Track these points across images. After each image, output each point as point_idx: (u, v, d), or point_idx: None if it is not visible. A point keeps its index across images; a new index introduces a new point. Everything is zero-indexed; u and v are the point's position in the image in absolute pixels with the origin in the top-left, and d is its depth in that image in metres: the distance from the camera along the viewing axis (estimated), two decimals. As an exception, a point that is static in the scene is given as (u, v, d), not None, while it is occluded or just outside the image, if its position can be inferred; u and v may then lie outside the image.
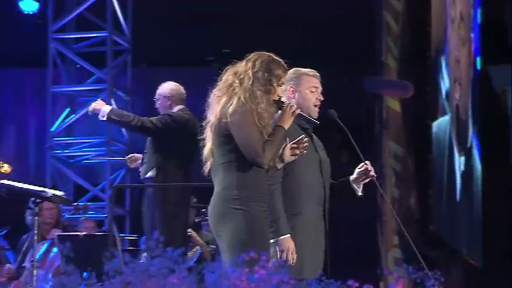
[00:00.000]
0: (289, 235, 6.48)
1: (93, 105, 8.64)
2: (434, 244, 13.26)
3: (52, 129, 13.47)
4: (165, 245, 9.02)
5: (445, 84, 14.06)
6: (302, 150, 6.38)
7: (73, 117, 13.52)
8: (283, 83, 6.44)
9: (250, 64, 6.31)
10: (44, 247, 10.17)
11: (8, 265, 10.59)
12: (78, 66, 13.83)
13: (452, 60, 13.97)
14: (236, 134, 6.26)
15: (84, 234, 9.72)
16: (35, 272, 8.96)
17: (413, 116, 13.62)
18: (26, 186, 9.12)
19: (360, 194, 6.97)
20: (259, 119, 6.29)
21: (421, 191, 13.78)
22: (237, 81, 6.30)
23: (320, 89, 6.93)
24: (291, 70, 6.80)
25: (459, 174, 14.21)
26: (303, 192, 6.68)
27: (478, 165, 14.87)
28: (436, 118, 13.83)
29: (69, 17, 13.34)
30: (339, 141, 13.42)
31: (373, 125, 12.60)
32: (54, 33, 13.21)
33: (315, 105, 6.87)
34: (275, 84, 6.34)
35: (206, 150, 6.41)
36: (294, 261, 6.44)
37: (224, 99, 6.28)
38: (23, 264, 10.08)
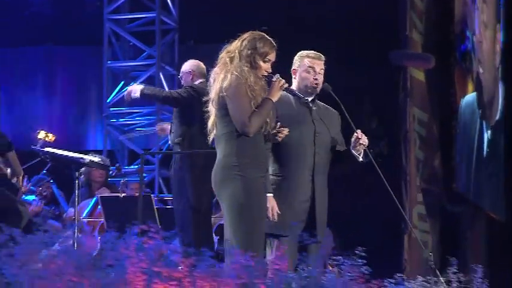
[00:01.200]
0: (270, 195, 6.71)
1: (127, 91, 8.77)
2: (457, 201, 13.42)
3: (108, 100, 13.65)
4: (193, 208, 9.41)
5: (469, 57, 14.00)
6: (282, 136, 6.60)
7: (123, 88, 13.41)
8: (270, 60, 6.58)
9: (239, 43, 6.56)
10: (91, 202, 10.49)
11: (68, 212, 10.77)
12: (130, 44, 13.93)
13: (476, 37, 14.04)
14: (229, 107, 6.48)
15: (124, 196, 9.91)
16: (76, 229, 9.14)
17: (438, 86, 13.62)
18: (66, 153, 9.42)
19: (360, 159, 7.16)
20: (250, 91, 6.48)
21: (444, 153, 13.75)
22: (227, 59, 6.54)
23: (319, 69, 7.07)
24: (298, 53, 7.17)
25: (486, 139, 14.35)
26: (292, 160, 6.87)
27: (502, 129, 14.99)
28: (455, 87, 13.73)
29: (119, 2, 13.51)
30: (369, 109, 13.75)
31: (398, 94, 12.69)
32: (109, 14, 13.42)
33: (313, 84, 6.98)
34: (260, 61, 6.54)
35: (210, 123, 6.60)
36: (275, 217, 6.66)
37: (221, 76, 6.48)
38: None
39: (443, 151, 13.83)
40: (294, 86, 7.04)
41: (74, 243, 9.27)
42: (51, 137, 9.50)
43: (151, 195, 11.05)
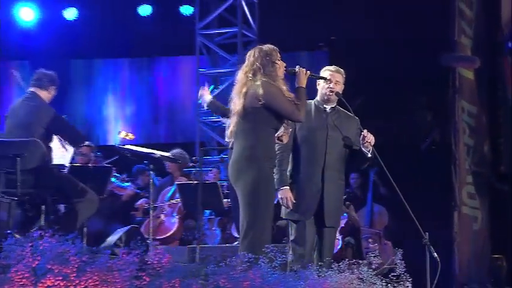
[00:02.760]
0: (287, 187, 6.91)
1: (201, 92, 8.34)
2: (505, 180, 13.46)
3: (199, 101, 13.91)
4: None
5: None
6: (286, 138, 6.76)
7: (216, 92, 13.32)
8: (280, 59, 6.73)
9: (252, 59, 6.71)
10: (172, 189, 10.67)
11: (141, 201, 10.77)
12: (218, 54, 13.88)
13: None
14: (275, 107, 6.53)
15: (196, 183, 9.74)
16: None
17: (487, 81, 13.64)
18: (141, 149, 9.52)
19: (369, 155, 7.16)
20: (285, 91, 6.65)
21: (493, 140, 13.73)
22: (250, 75, 6.62)
23: (336, 81, 7.20)
24: (325, 68, 7.35)
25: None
26: (305, 158, 7.02)
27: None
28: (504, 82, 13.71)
29: (211, 18, 13.61)
30: (424, 103, 14.35)
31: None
32: (201, 29, 13.54)
33: (328, 95, 7.12)
34: (275, 65, 6.67)
35: (229, 131, 6.70)
36: (290, 206, 6.86)
37: (244, 90, 6.59)
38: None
39: (491, 138, 13.81)
40: (318, 95, 7.22)
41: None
42: (130, 136, 9.56)
43: (217, 182, 10.89)
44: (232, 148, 6.78)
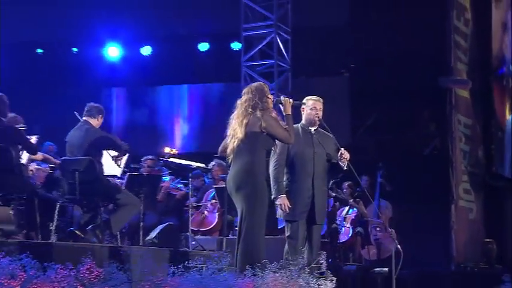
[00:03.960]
0: (284, 195, 6.77)
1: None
2: (496, 179, 13.48)
3: None
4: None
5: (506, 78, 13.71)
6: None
7: None
8: (269, 93, 6.67)
9: (250, 95, 6.56)
10: (213, 191, 10.17)
11: None
12: (258, 81, 12.92)
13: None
14: (273, 134, 6.48)
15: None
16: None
17: (481, 99, 13.60)
18: (181, 161, 9.45)
19: (344, 168, 7.05)
20: (277, 120, 6.59)
21: (486, 146, 13.73)
22: (250, 109, 6.49)
23: (319, 108, 7.10)
24: (306, 98, 7.20)
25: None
26: (298, 170, 6.92)
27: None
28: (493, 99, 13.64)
29: (253, 52, 13.40)
30: (428, 117, 14.27)
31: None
32: (245, 61, 13.37)
33: (314, 118, 7.04)
34: (268, 99, 6.58)
35: (229, 150, 6.53)
36: (287, 210, 6.71)
37: (245, 121, 6.46)
38: None
39: (485, 145, 13.77)
40: (303, 119, 7.12)
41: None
42: (174, 151, 9.32)
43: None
44: (229, 165, 6.67)
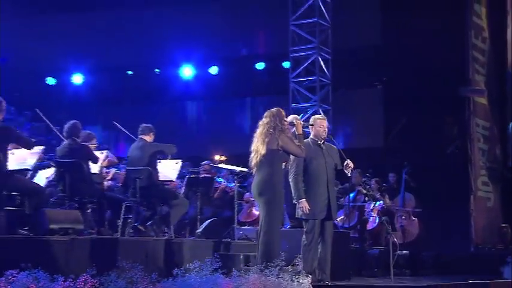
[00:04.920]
0: (304, 199, 6.76)
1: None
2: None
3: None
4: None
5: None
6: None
7: (303, 118, 11.49)
8: (285, 117, 6.61)
9: (270, 119, 6.53)
10: None
11: None
12: (303, 94, 13.42)
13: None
14: (289, 150, 6.50)
15: None
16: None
17: (497, 104, 13.63)
18: (226, 166, 9.51)
19: (349, 175, 7.15)
20: (292, 138, 6.58)
21: (503, 145, 13.59)
22: (270, 130, 6.47)
23: (326, 125, 7.05)
24: (313, 117, 7.24)
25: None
26: (314, 178, 6.85)
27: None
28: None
29: (299, 69, 13.35)
30: (452, 121, 14.09)
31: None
32: (293, 78, 13.41)
33: (322, 134, 6.98)
34: (284, 122, 6.56)
35: (253, 164, 6.56)
36: (307, 211, 6.67)
37: (266, 140, 6.46)
38: None
39: (502, 143, 13.65)
40: (312, 135, 7.04)
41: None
42: (223, 158, 9.46)
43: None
44: (253, 175, 6.70)
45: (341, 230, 9.46)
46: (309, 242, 6.82)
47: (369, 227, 10.99)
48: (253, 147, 6.59)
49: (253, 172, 6.63)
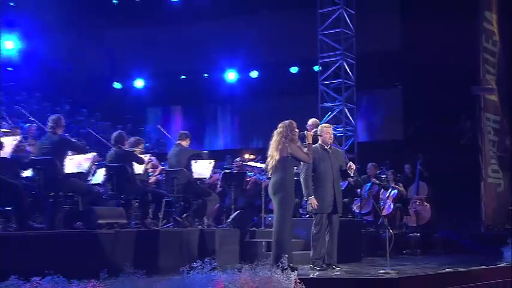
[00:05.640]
0: (312, 196, 6.79)
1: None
2: None
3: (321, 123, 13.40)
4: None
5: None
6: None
7: (330, 116, 13.19)
8: (296, 128, 6.60)
9: (284, 129, 6.54)
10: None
11: None
12: (330, 94, 13.33)
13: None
14: (297, 157, 6.54)
15: None
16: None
17: (507, 100, 13.34)
18: (252, 163, 9.56)
19: (352, 175, 7.20)
20: (300, 147, 6.63)
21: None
22: (283, 139, 6.49)
23: (331, 132, 7.13)
24: (320, 126, 7.25)
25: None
26: (322, 178, 6.91)
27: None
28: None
29: (327, 73, 13.31)
30: (465, 116, 13.96)
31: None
32: (321, 81, 13.36)
33: (328, 140, 7.04)
34: (295, 129, 6.56)
35: (269, 168, 6.61)
36: (316, 207, 6.71)
37: (280, 147, 6.48)
38: None
39: (511, 135, 13.45)
40: (320, 141, 7.07)
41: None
42: (252, 157, 9.33)
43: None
44: (270, 178, 6.76)
45: (353, 218, 9.47)
46: (317, 232, 6.90)
47: (385, 212, 11.08)
48: (269, 153, 6.64)
49: (269, 174, 6.69)
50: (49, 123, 6.75)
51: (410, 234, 10.71)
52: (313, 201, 6.84)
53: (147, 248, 6.51)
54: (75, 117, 14.00)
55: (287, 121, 6.64)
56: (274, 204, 6.62)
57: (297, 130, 6.62)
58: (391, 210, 11.11)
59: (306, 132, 6.79)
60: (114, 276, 5.03)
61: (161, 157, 9.38)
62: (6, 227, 6.13)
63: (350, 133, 13.33)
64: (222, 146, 15.69)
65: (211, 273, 4.32)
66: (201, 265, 4.52)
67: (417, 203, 11.67)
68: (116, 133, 7.66)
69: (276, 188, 6.56)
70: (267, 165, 6.65)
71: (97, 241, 6.08)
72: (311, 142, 6.73)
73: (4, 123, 9.73)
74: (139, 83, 16.91)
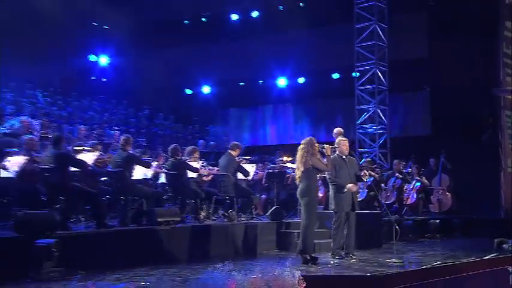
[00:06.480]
0: (349, 186, 6.96)
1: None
2: None
3: (358, 121, 13.41)
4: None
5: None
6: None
7: (365, 116, 13.32)
8: (316, 144, 6.73)
9: (306, 145, 6.71)
10: None
11: None
12: (365, 97, 13.43)
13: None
14: (318, 168, 6.71)
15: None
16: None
17: None
18: (288, 165, 9.37)
19: (365, 180, 7.47)
20: (320, 159, 6.80)
21: None
22: (305, 153, 6.67)
23: (347, 144, 7.21)
24: (337, 139, 7.30)
25: None
26: (342, 182, 7.02)
27: None
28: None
29: (363, 79, 13.35)
30: (488, 113, 13.73)
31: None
32: (358, 86, 13.43)
33: (345, 151, 7.16)
34: (316, 144, 6.72)
35: (297, 178, 6.77)
36: (357, 187, 6.87)
37: (303, 161, 6.66)
38: None
39: None
40: (337, 151, 7.17)
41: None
42: (289, 158, 9.13)
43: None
44: (299, 185, 6.85)
45: (375, 212, 9.45)
46: (336, 227, 7.08)
47: (409, 202, 11.21)
48: (296, 165, 6.86)
49: (298, 182, 6.83)
50: (121, 142, 7.16)
51: (431, 221, 10.79)
52: (350, 187, 6.96)
53: (198, 240, 6.84)
54: (154, 120, 14.42)
55: (308, 138, 6.82)
56: (302, 206, 6.83)
57: (316, 145, 6.77)
58: (414, 199, 11.18)
59: (324, 145, 6.94)
60: (170, 264, 5.44)
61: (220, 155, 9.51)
62: (87, 225, 6.61)
63: (383, 131, 13.33)
64: (273, 141, 15.90)
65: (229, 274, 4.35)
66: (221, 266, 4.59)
67: (440, 192, 11.74)
68: (172, 146, 7.95)
69: (303, 193, 6.75)
70: (295, 175, 6.84)
71: (157, 236, 6.46)
72: (330, 154, 6.89)
73: (93, 132, 10.55)
74: (206, 89, 17.21)
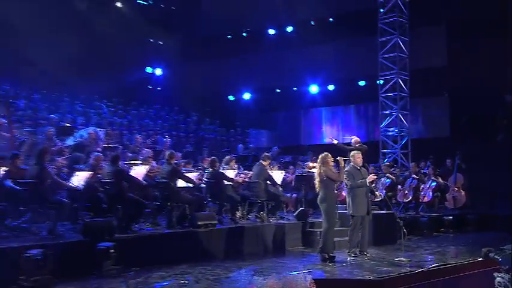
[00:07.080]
0: (364, 179, 7.04)
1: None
2: None
3: (381, 125, 13.33)
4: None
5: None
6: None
7: (389, 120, 13.15)
8: (330, 158, 6.83)
9: (321, 159, 6.87)
10: None
11: None
12: (387, 103, 13.14)
13: None
14: (331, 177, 6.81)
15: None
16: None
17: None
18: (312, 170, 8.86)
19: (376, 194, 7.60)
20: (332, 170, 6.87)
21: None
22: (320, 165, 6.83)
23: (361, 157, 7.23)
24: (351, 153, 7.35)
25: None
26: (359, 191, 7.12)
27: None
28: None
29: (386, 87, 13.33)
30: (502, 115, 13.54)
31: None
32: (381, 93, 13.36)
33: (359, 163, 7.23)
34: (329, 158, 6.85)
35: (317, 187, 6.93)
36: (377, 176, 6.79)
37: (319, 172, 6.82)
38: None
39: None
40: (352, 163, 7.27)
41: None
42: (315, 164, 8.71)
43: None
44: (318, 193, 6.96)
45: (387, 212, 9.24)
46: (352, 229, 7.21)
47: (425, 200, 11.23)
48: (315, 177, 7.09)
49: (317, 191, 7.01)
50: (166, 156, 7.43)
51: (445, 217, 10.82)
52: (371, 177, 7.21)
53: (233, 240, 7.03)
54: (201, 125, 14.64)
55: (323, 154, 6.99)
56: (322, 211, 6.96)
57: (330, 159, 6.94)
58: (430, 198, 11.13)
59: (339, 158, 7.05)
60: (209, 263, 5.62)
61: (257, 158, 9.53)
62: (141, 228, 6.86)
63: (404, 133, 13.26)
64: (306, 142, 16.01)
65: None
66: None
67: (455, 190, 11.64)
68: (210, 158, 8.21)
69: (322, 200, 6.94)
70: (315, 185, 7.02)
71: (197, 237, 6.74)
72: (343, 165, 7.00)
73: (148, 141, 11.03)
74: (246, 96, 17.41)
